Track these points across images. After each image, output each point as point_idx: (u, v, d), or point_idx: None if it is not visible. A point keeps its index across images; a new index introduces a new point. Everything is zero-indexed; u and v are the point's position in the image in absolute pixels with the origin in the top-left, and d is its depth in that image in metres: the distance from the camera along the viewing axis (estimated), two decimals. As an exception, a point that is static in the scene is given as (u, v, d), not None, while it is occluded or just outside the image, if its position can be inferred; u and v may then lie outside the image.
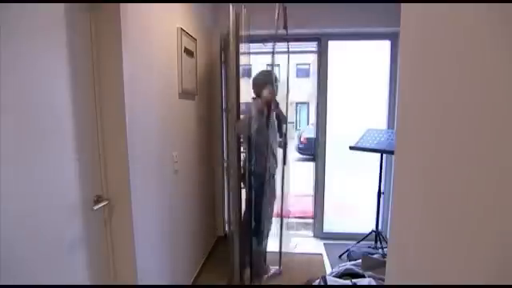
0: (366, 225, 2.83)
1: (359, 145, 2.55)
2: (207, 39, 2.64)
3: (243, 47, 2.08)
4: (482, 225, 0.54)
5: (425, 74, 0.74)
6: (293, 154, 9.92)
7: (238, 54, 2.04)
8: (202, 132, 2.54)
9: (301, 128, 14.94)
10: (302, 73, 17.32)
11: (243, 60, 2.12)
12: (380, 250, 2.38)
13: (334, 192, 3.03)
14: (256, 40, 2.39)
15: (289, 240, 3.12)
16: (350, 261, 2.30)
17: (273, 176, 2.22)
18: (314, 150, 3.11)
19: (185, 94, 2.06)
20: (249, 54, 2.20)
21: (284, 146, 2.31)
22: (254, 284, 2.25)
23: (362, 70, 2.90)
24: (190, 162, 2.24)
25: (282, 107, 2.26)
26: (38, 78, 0.96)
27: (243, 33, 2.01)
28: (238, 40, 2.02)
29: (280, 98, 2.26)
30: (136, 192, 1.36)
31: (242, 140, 2.12)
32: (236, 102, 2.06)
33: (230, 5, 1.95)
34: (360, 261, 2.09)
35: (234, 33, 1.97)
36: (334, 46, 2.85)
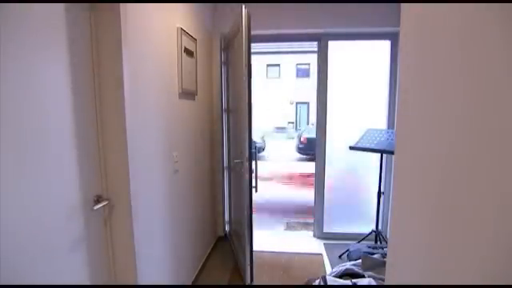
0: (366, 225, 2.83)
1: (359, 145, 2.55)
2: (207, 39, 2.64)
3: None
4: (483, 225, 0.54)
5: (425, 74, 0.74)
6: (293, 153, 9.94)
7: (249, 54, 2.05)
8: (202, 132, 2.54)
9: (301, 128, 14.95)
10: (302, 73, 17.35)
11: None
12: (380, 250, 2.38)
13: (334, 192, 3.03)
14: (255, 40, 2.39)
15: (290, 240, 3.12)
16: (349, 261, 2.30)
17: None
18: (314, 150, 3.11)
19: (185, 94, 2.06)
20: (252, 53, 2.20)
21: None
22: (253, 284, 2.25)
23: (361, 70, 2.89)
24: (190, 162, 2.24)
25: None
26: (38, 77, 0.96)
27: (246, 33, 2.01)
28: (250, 40, 2.03)
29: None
30: (136, 192, 1.36)
31: None
32: (248, 102, 2.07)
33: (243, 5, 1.96)
34: (360, 261, 2.09)
35: (246, 33, 1.98)
36: (333, 46, 2.85)
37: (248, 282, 2.21)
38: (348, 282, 1.83)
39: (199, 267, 2.43)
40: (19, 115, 0.89)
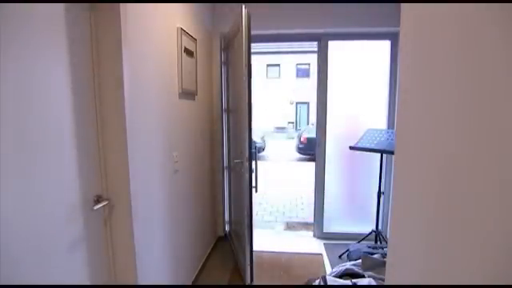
0: (366, 225, 2.83)
1: (359, 145, 2.55)
2: (207, 39, 2.64)
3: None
4: (482, 225, 0.54)
5: (425, 74, 0.74)
6: (293, 153, 9.94)
7: (249, 54, 2.05)
8: (201, 132, 2.54)
9: (301, 128, 14.94)
10: (302, 73, 17.34)
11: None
12: (380, 250, 2.38)
13: (334, 192, 3.03)
14: (255, 40, 2.39)
15: (290, 240, 3.13)
16: (350, 261, 2.30)
17: None
18: (314, 150, 3.10)
19: (185, 94, 2.06)
20: (252, 53, 2.20)
21: None
22: (253, 284, 2.25)
23: (361, 70, 2.89)
24: (190, 162, 2.24)
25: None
26: (38, 77, 0.96)
27: (246, 33, 2.01)
28: (250, 40, 2.03)
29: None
30: (136, 192, 1.36)
31: None
32: (248, 102, 2.07)
33: (243, 5, 1.96)
34: (360, 261, 2.09)
35: (246, 32, 1.98)
36: (334, 46, 2.85)
37: (248, 281, 2.21)
38: (348, 282, 1.83)
39: (199, 267, 2.43)
40: (19, 115, 0.89)
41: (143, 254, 1.44)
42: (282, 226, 3.58)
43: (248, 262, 2.19)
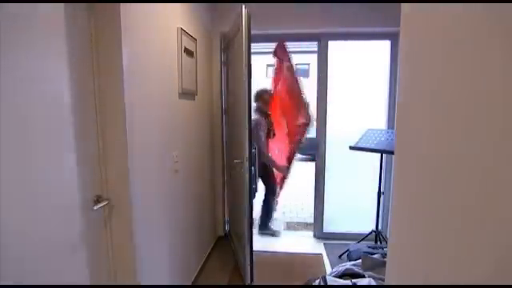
0: (366, 225, 2.83)
1: (359, 145, 2.55)
2: (207, 39, 2.64)
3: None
4: (482, 225, 0.54)
5: (425, 74, 0.74)
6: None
7: (249, 54, 2.05)
8: (202, 132, 2.54)
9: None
10: (302, 73, 17.34)
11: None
12: (380, 250, 2.38)
13: (334, 192, 3.03)
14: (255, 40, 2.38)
15: (290, 240, 3.13)
16: (350, 261, 2.30)
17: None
18: (314, 150, 3.10)
19: (185, 94, 2.06)
20: (252, 53, 2.20)
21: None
22: (253, 284, 2.25)
23: (361, 70, 2.89)
24: (190, 162, 2.24)
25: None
26: (38, 77, 0.96)
27: (246, 33, 2.01)
28: (250, 40, 2.03)
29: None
30: (136, 192, 1.36)
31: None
32: (248, 103, 2.07)
33: (243, 5, 1.96)
34: (360, 261, 2.09)
35: (246, 33, 1.98)
36: (334, 46, 2.85)
37: (248, 281, 2.21)
38: (348, 282, 1.83)
39: (199, 267, 2.43)
40: (20, 116, 0.89)
41: (143, 253, 1.44)
42: (282, 226, 3.58)
43: (248, 261, 2.19)
